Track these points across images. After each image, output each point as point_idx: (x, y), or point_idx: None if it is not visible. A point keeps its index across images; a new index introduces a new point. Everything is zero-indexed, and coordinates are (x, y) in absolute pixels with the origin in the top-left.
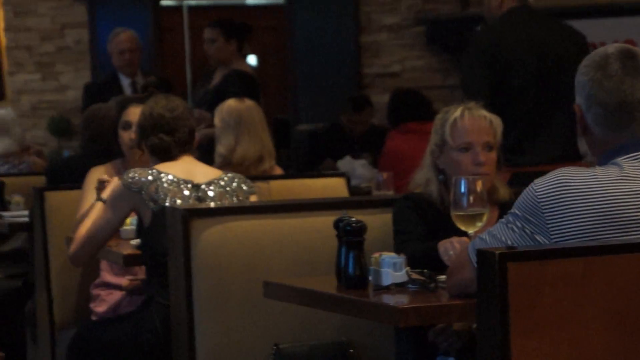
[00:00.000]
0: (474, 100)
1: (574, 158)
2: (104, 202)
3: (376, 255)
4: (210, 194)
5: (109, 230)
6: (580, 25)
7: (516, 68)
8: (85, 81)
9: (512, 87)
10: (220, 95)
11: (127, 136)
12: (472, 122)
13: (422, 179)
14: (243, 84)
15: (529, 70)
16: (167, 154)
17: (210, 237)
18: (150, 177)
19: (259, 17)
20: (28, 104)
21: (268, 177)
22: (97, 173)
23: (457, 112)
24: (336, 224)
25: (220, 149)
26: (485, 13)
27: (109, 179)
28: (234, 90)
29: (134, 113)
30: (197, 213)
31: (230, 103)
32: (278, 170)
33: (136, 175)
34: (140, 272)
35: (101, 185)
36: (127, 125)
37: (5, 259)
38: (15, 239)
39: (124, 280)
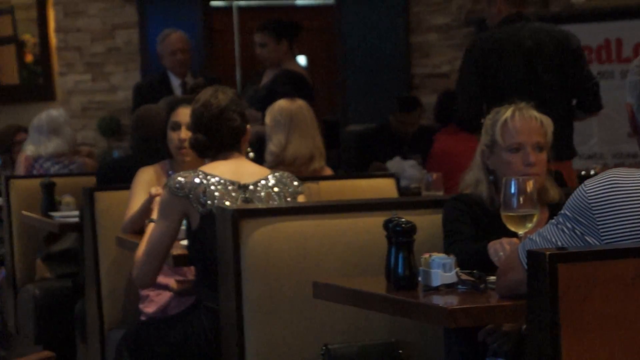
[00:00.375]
0: (467, 104)
1: (565, 158)
2: (154, 222)
3: (426, 256)
4: (258, 194)
5: (167, 241)
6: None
7: (504, 73)
8: (135, 82)
9: (501, 91)
10: (271, 95)
11: (176, 136)
12: (522, 122)
13: (472, 179)
14: (294, 84)
15: (516, 75)
16: (205, 152)
17: (259, 237)
18: (196, 180)
19: (308, 18)
20: (78, 104)
21: (318, 177)
22: (146, 174)
23: (508, 113)
24: (386, 225)
25: (272, 147)
26: (487, 20)
27: (159, 191)
28: (285, 90)
29: (184, 114)
30: (246, 214)
31: (282, 103)
32: (328, 171)
33: (182, 179)
34: (190, 273)
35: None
36: (176, 126)
37: (55, 259)
38: (66, 239)
39: (172, 281)
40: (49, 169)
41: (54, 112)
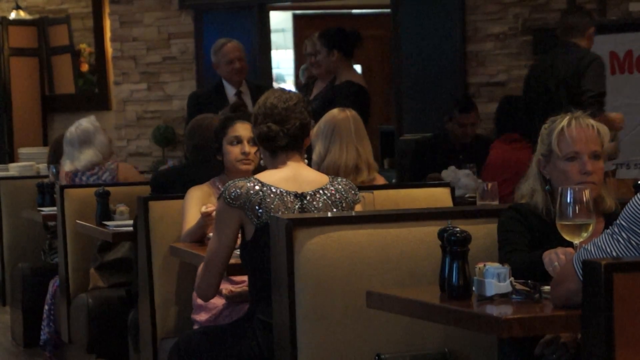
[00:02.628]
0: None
1: None
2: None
3: (480, 265)
4: (315, 204)
5: (224, 253)
6: None
7: (528, 90)
8: (191, 91)
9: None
10: (326, 105)
11: (238, 150)
12: (579, 131)
13: (528, 189)
14: (352, 95)
15: (536, 91)
16: (273, 143)
17: (313, 247)
18: (252, 191)
19: (364, 26)
20: (133, 113)
21: (373, 187)
22: (196, 192)
23: (564, 122)
24: (440, 234)
25: (314, 157)
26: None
27: (210, 208)
28: (342, 101)
29: (243, 128)
30: (300, 223)
31: (331, 112)
32: (382, 181)
33: (237, 190)
34: (243, 281)
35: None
36: (238, 140)
37: (109, 268)
38: (119, 248)
39: (224, 290)
40: (86, 181)
41: (84, 123)
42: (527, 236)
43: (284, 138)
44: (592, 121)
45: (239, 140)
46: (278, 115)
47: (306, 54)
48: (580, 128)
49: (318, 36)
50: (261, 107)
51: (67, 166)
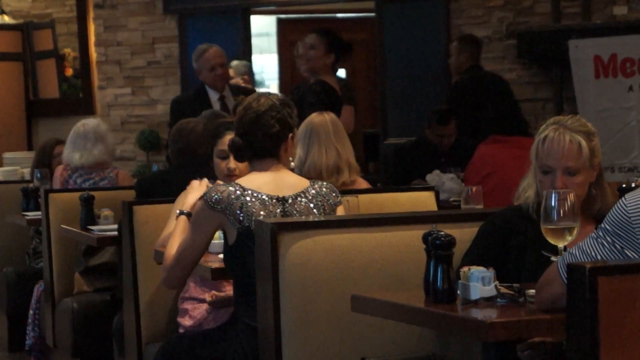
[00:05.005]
0: None
1: None
2: (184, 214)
3: (465, 269)
4: (297, 207)
5: (197, 252)
6: None
7: None
8: (175, 95)
9: None
10: (299, 105)
11: (224, 165)
12: (555, 145)
13: (524, 184)
14: (323, 96)
15: None
16: (240, 154)
17: (298, 251)
18: (233, 196)
19: (349, 30)
20: (118, 118)
21: (357, 191)
22: (182, 198)
23: (548, 131)
24: (425, 238)
25: (295, 161)
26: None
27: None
28: (312, 100)
29: None
30: (285, 227)
31: (309, 117)
32: (363, 184)
33: (219, 194)
34: (229, 286)
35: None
36: (225, 155)
37: (94, 273)
38: (104, 253)
39: (208, 295)
40: (81, 185)
41: (96, 121)
42: (496, 248)
43: (248, 153)
44: (575, 134)
45: (226, 155)
46: (243, 128)
47: (297, 53)
48: (558, 142)
49: (320, 33)
50: (234, 117)
51: (75, 159)
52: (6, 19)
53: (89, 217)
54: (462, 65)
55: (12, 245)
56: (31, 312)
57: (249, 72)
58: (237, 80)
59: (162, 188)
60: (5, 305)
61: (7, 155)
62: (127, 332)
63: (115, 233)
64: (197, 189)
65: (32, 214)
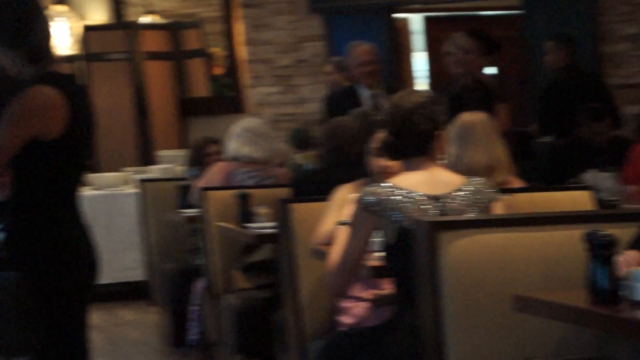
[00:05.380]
0: None
1: None
2: (347, 224)
3: (630, 269)
4: (452, 204)
5: (358, 256)
6: None
7: None
8: (323, 93)
9: None
10: (455, 105)
11: (379, 163)
12: None
13: None
14: (480, 94)
15: None
16: (391, 152)
17: (457, 249)
18: (387, 197)
19: (495, 27)
20: (268, 116)
21: (512, 189)
22: (342, 192)
23: None
24: (586, 238)
25: (447, 160)
26: None
27: None
28: (469, 98)
29: None
30: (443, 225)
31: (461, 116)
32: (518, 183)
33: (373, 196)
34: (387, 284)
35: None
36: (379, 153)
37: (253, 270)
38: (263, 250)
39: (368, 293)
40: (244, 181)
41: (254, 122)
42: None
43: (399, 151)
44: None
45: (379, 153)
46: (392, 127)
47: (447, 52)
48: None
49: (473, 35)
50: (386, 114)
51: (246, 151)
52: (155, 19)
53: (245, 214)
54: (558, 64)
55: (171, 242)
56: (193, 308)
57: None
58: (336, 77)
59: (316, 186)
60: (168, 302)
61: (162, 153)
62: (288, 328)
63: (273, 230)
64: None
65: (188, 211)
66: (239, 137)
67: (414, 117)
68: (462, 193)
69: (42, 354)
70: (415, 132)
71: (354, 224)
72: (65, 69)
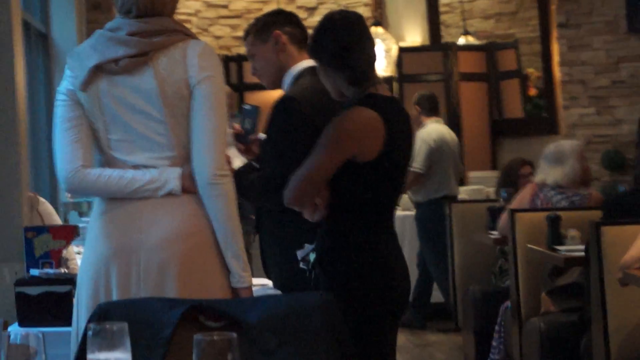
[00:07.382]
0: None
1: None
2: None
3: None
4: None
5: None
6: None
7: None
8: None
9: None
10: None
11: None
12: None
13: None
14: None
15: None
16: None
17: None
18: None
19: None
20: (582, 137)
21: None
22: None
23: None
24: None
25: None
26: None
27: None
28: None
29: None
30: None
31: None
32: None
33: None
34: None
35: None
36: None
37: (560, 293)
38: (571, 273)
39: None
40: (551, 198)
41: (564, 143)
42: None
43: None
44: None
45: None
46: None
47: None
48: None
49: None
50: None
51: (537, 178)
52: (470, 40)
53: (556, 236)
54: None
55: (477, 264)
56: (496, 329)
57: None
58: None
59: (629, 209)
60: (472, 324)
61: (472, 174)
62: (595, 353)
63: (582, 253)
64: None
65: (497, 233)
66: (542, 162)
67: None
68: None
69: None
70: None
71: None
72: (386, 91)
